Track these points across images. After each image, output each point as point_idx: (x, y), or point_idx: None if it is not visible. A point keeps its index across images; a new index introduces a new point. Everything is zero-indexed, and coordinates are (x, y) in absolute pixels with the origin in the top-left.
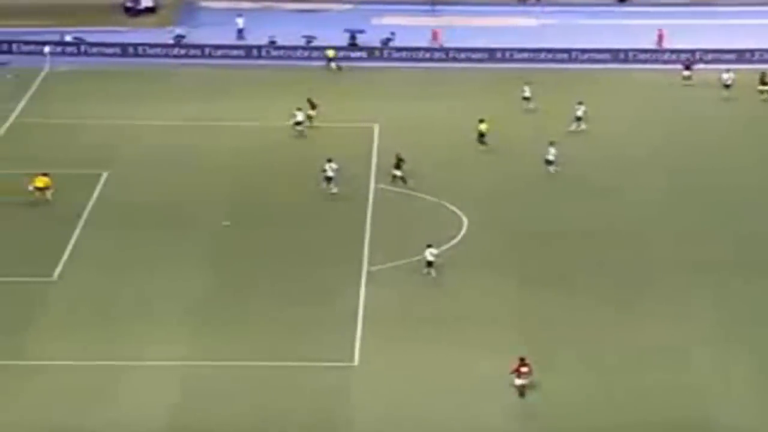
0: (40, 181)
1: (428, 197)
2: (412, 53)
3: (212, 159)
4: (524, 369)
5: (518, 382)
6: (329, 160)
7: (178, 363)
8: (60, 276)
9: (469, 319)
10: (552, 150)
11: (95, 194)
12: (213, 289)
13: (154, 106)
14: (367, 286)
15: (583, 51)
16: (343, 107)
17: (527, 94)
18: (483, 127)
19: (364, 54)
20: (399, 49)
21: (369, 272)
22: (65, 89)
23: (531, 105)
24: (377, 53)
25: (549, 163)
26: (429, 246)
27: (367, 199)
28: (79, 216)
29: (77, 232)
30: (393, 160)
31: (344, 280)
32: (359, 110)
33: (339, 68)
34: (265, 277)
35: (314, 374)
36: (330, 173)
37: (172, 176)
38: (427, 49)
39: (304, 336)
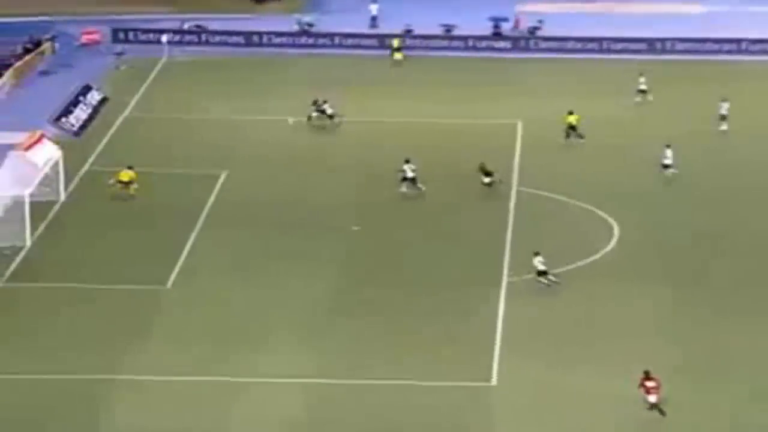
0: (125, 175)
1: (575, 201)
2: (561, 43)
3: (339, 157)
4: (650, 384)
5: (651, 399)
6: (407, 161)
7: (299, 380)
8: (174, 284)
9: (618, 334)
10: (668, 152)
11: (213, 196)
12: (338, 299)
13: (278, 100)
14: (506, 298)
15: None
16: (484, 102)
17: (643, 86)
18: (572, 119)
19: (508, 44)
20: (547, 39)
21: (509, 283)
22: (183, 81)
23: (642, 98)
24: (523, 43)
25: (666, 167)
26: (536, 254)
27: (508, 202)
28: (195, 220)
29: (193, 236)
30: (479, 168)
31: (481, 291)
32: (502, 105)
33: (404, 59)
34: (396, 288)
35: (448, 394)
36: (409, 173)
37: (296, 176)
38: (578, 39)
39: (436, 352)
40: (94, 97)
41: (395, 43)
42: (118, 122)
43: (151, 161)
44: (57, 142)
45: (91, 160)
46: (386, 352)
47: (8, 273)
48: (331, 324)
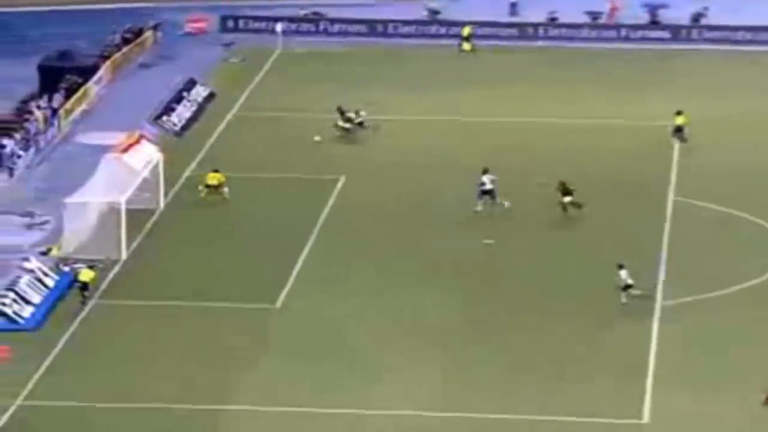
0: (212, 177)
1: (742, 214)
2: (729, 33)
3: (467, 159)
4: None
5: None
6: (485, 171)
7: (418, 412)
8: (284, 303)
9: None
10: None
11: (329, 204)
12: (462, 319)
13: (404, 95)
14: (660, 324)
15: None
16: (638, 99)
17: None
18: (680, 120)
19: (666, 34)
20: (713, 28)
21: (663, 307)
22: (299, 74)
23: None
24: (685, 33)
25: None
26: (621, 267)
27: (663, 214)
28: (308, 231)
29: (306, 249)
30: (558, 188)
31: (632, 315)
32: (658, 103)
33: (473, 50)
34: (529, 307)
35: None
36: (488, 185)
37: (424, 181)
38: (748, 28)
39: (579, 384)
40: (199, 92)
41: (465, 31)
42: (225, 121)
43: (262, 165)
44: (157, 144)
45: (194, 163)
46: (518, 383)
47: (102, 289)
48: (457, 350)
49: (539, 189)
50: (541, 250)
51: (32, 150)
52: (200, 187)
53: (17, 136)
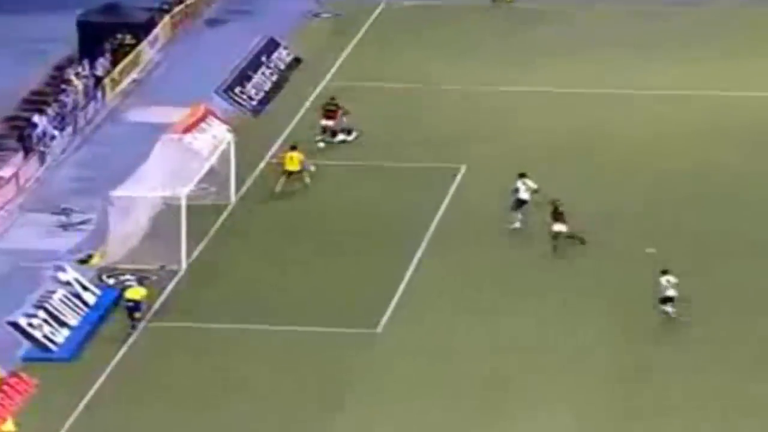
0: (292, 163)
1: None
2: None
3: (622, 148)
4: None
5: None
6: (522, 175)
7: None
8: (388, 326)
9: None
10: None
11: (446, 200)
12: (616, 348)
13: (534, 64)
14: None
15: None
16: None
17: None
18: None
19: None
20: None
21: None
22: (406, 35)
23: None
24: None
25: None
26: (665, 272)
27: None
28: (420, 234)
29: (416, 257)
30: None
31: None
32: None
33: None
34: (708, 335)
35: None
36: (523, 194)
37: (563, 172)
38: None
39: None
40: (282, 57)
41: None
42: (314, 94)
43: (360, 150)
44: (228, 123)
45: (274, 147)
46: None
47: (155, 308)
48: (606, 385)
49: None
50: (746, 272)
51: (69, 130)
52: (280, 183)
53: (51, 111)
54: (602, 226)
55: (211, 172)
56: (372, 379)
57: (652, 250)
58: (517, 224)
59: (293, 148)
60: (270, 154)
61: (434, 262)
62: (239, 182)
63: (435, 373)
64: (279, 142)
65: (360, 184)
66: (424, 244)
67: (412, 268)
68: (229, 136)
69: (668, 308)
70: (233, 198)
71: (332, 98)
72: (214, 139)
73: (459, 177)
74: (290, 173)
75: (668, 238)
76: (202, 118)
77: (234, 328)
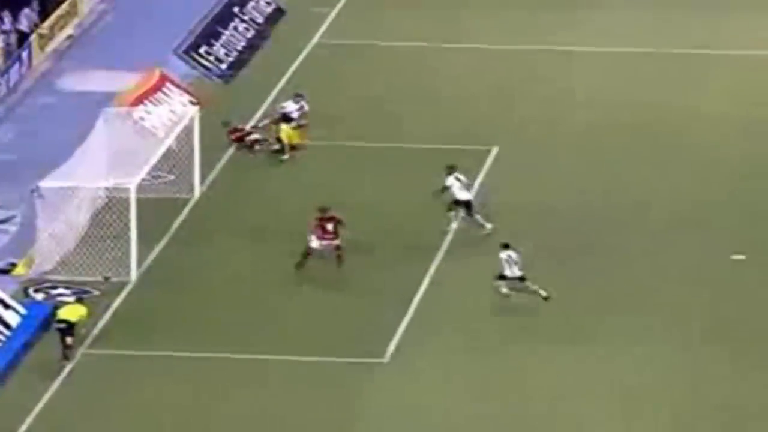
0: (288, 132)
1: None
2: None
3: (703, 129)
4: None
5: None
6: (451, 169)
7: None
8: (396, 355)
9: None
10: None
11: (473, 190)
12: (678, 381)
13: (581, 19)
14: None
15: None
16: None
17: None
18: None
19: None
20: None
21: None
22: None
23: None
24: None
25: None
26: (505, 246)
27: None
28: (436, 238)
29: (432, 269)
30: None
31: None
32: None
33: None
34: None
35: None
36: (458, 192)
37: (623, 158)
38: None
39: None
40: (259, 8)
41: None
42: (301, 55)
43: (360, 128)
44: (191, 92)
45: (251, 121)
46: None
47: (96, 331)
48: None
49: None
50: None
51: None
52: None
53: None
54: (681, 226)
55: (169, 156)
56: (377, 412)
57: (741, 256)
58: (453, 225)
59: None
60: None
61: (456, 273)
62: (204, 170)
63: (454, 409)
64: (256, 116)
65: (359, 172)
66: (441, 251)
67: (425, 283)
68: (192, 110)
69: (504, 289)
70: (197, 190)
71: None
72: (173, 113)
73: (487, 163)
74: (292, 146)
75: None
76: (157, 87)
77: (200, 356)
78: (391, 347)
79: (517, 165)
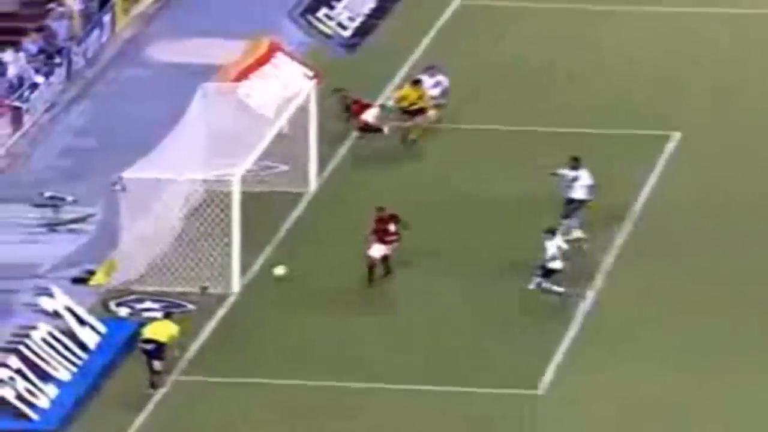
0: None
1: None
2: None
3: None
4: None
5: None
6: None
7: None
8: (553, 387)
9: None
10: None
11: (646, 188)
12: None
13: None
14: None
15: None
16: None
17: None
18: None
19: None
20: None
21: None
22: None
23: None
24: None
25: None
26: (550, 232)
27: None
28: (606, 240)
29: (598, 280)
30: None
31: None
32: None
33: None
34: None
35: None
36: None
37: None
38: None
39: None
40: None
41: None
42: (441, 19)
43: (516, 112)
44: (307, 64)
45: (379, 99)
46: None
47: (192, 351)
48: None
49: None
50: None
51: (59, 74)
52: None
53: (30, 46)
54: None
55: (280, 141)
56: None
57: None
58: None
59: (416, 82)
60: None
61: (628, 280)
62: (322, 157)
63: None
64: (386, 91)
65: (504, 160)
66: (612, 256)
67: (592, 293)
68: (309, 86)
69: (548, 285)
70: (313, 183)
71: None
72: (285, 90)
73: (667, 150)
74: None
75: None
76: (267, 58)
77: (315, 385)
78: (547, 376)
79: (703, 153)
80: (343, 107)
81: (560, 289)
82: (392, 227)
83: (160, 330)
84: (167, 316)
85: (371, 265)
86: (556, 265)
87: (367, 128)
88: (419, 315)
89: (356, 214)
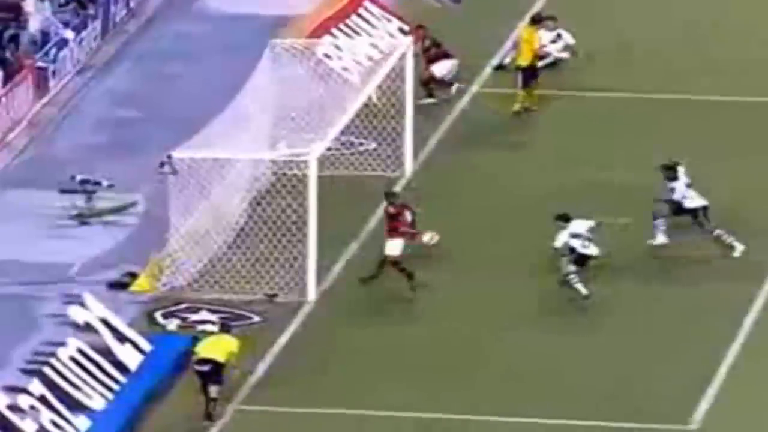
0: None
1: None
2: None
3: None
4: None
5: None
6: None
7: None
8: (705, 421)
9: None
10: None
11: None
12: None
13: None
14: None
15: None
16: None
17: None
18: None
19: None
20: None
21: None
22: None
23: None
24: None
25: None
26: (563, 218)
27: None
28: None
29: (755, 308)
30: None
31: None
32: None
33: None
34: None
35: None
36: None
37: None
38: None
39: None
40: None
41: None
42: None
43: (635, 74)
44: (404, 19)
45: (490, 65)
46: None
47: (259, 372)
48: None
49: None
50: None
51: (93, 27)
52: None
53: None
54: None
55: (368, 113)
56: None
57: None
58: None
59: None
60: (481, 78)
61: None
62: (419, 136)
63: None
64: (502, 54)
65: (629, 136)
66: None
67: (757, 305)
68: (404, 45)
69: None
70: (408, 166)
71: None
72: (375, 49)
73: None
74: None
75: None
76: (352, 9)
77: (406, 417)
78: (701, 408)
79: None
80: (420, 48)
81: (585, 291)
82: (408, 216)
83: (217, 347)
84: (225, 329)
85: (396, 265)
86: (591, 251)
87: (431, 82)
88: (537, 330)
89: (461, 203)
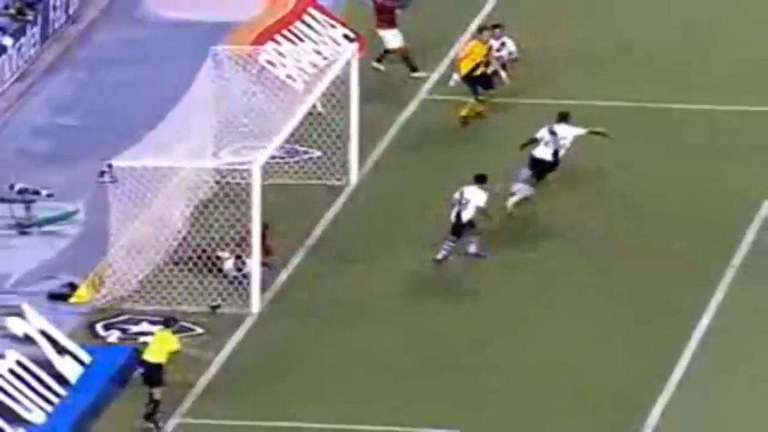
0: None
1: None
2: None
3: None
4: None
5: None
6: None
7: None
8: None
9: None
10: None
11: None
12: None
13: None
14: None
15: None
16: None
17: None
18: None
19: None
20: None
21: None
22: None
23: None
24: None
25: None
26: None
27: None
28: None
29: (720, 293)
30: None
31: None
32: None
33: None
34: None
35: None
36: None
37: None
38: None
39: None
40: None
41: None
42: None
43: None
44: (347, 25)
45: (438, 69)
46: None
47: (202, 384)
48: None
49: None
50: None
51: (33, 34)
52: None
53: None
54: None
55: (313, 121)
56: None
57: None
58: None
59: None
60: (429, 83)
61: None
62: (365, 143)
63: None
64: (446, 60)
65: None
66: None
67: (710, 308)
68: (349, 51)
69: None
70: (354, 175)
71: None
72: (318, 56)
73: None
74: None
75: None
76: (295, 15)
77: (357, 430)
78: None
79: None
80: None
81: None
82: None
83: (157, 348)
84: (166, 324)
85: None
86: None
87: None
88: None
89: (406, 212)
